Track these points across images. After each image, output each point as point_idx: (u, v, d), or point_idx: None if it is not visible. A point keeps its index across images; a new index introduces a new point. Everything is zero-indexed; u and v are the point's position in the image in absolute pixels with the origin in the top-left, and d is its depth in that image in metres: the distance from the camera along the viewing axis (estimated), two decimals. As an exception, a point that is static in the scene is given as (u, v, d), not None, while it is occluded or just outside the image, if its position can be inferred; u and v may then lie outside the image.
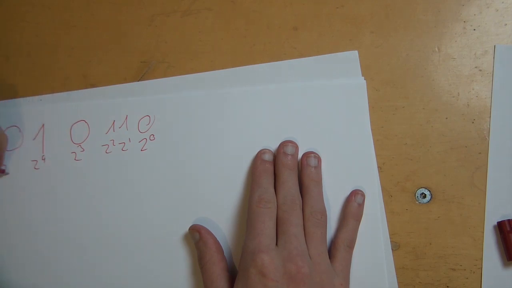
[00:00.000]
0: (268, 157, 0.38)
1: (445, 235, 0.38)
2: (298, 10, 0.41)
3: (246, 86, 0.40)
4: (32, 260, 0.39)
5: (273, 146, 0.38)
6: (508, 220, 0.37)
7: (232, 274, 0.36)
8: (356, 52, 0.40)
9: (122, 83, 0.41)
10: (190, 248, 0.38)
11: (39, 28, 0.42)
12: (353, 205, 0.37)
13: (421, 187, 0.38)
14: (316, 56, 0.40)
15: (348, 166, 0.38)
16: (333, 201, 0.38)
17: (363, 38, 0.40)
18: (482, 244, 0.37)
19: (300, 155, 0.38)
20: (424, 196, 0.38)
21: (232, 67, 0.40)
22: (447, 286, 0.37)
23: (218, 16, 0.41)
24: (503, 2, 0.40)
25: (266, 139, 0.39)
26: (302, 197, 0.36)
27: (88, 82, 0.41)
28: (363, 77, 0.39)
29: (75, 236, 0.39)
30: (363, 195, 0.37)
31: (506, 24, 0.39)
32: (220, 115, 0.39)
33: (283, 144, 0.38)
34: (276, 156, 0.38)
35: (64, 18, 0.42)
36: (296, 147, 0.38)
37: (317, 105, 0.39)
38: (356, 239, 0.37)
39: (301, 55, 0.40)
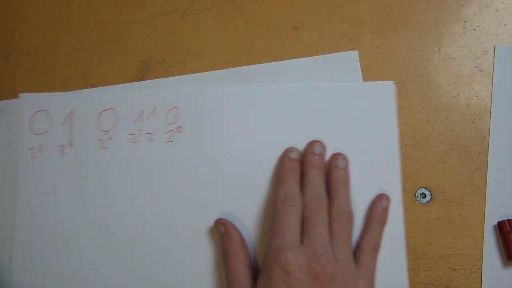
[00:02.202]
0: (295, 155, 0.37)
1: (445, 235, 0.38)
2: (298, 10, 0.41)
3: (278, 83, 0.39)
4: (63, 245, 0.39)
5: (300, 145, 0.38)
6: (508, 220, 0.37)
7: (255, 271, 0.36)
8: (356, 52, 0.40)
9: (122, 83, 0.41)
10: (213, 243, 0.38)
11: (39, 28, 0.42)
12: (378, 209, 0.37)
13: (421, 187, 0.38)
14: (316, 56, 0.40)
15: (373, 169, 0.38)
16: (357, 204, 0.38)
17: (363, 38, 0.40)
18: (482, 244, 0.37)
19: (327, 156, 0.38)
20: (424, 196, 0.38)
21: (232, 67, 0.40)
22: (447, 286, 0.37)
23: (218, 16, 0.41)
24: (503, 2, 0.40)
25: (293, 137, 0.38)
26: (329, 197, 0.36)
27: (88, 82, 0.41)
28: (392, 81, 0.39)
29: (97, 222, 0.39)
30: (388, 199, 0.37)
31: (506, 24, 0.39)
32: (249, 111, 0.39)
33: (311, 144, 0.38)
34: (304, 155, 0.38)
35: (64, 18, 0.42)
36: (324, 147, 0.38)
37: (345, 106, 0.39)
38: (381, 243, 0.36)
39: (301, 55, 0.40)
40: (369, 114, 0.38)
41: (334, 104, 0.39)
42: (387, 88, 0.39)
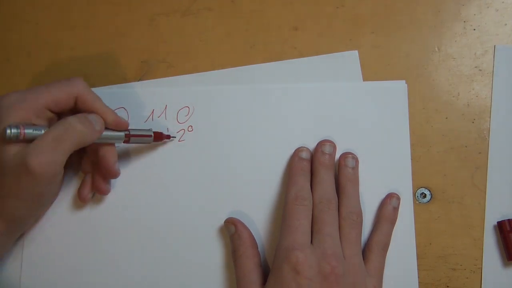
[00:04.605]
0: (305, 155, 0.38)
1: (445, 235, 0.38)
2: (298, 10, 0.41)
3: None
4: (74, 244, 0.39)
5: (311, 145, 0.38)
6: (508, 220, 0.37)
7: (265, 270, 0.36)
8: (356, 52, 0.40)
9: (122, 83, 0.41)
10: (224, 241, 0.38)
11: (39, 28, 0.42)
12: (388, 208, 0.37)
13: (421, 187, 0.38)
14: (316, 56, 0.40)
15: (384, 168, 0.38)
16: (367, 204, 0.38)
17: (363, 38, 0.40)
18: (482, 244, 0.37)
19: (337, 156, 0.38)
20: (424, 196, 0.38)
21: (232, 67, 0.40)
22: (447, 286, 0.37)
23: (218, 16, 0.41)
24: (503, 2, 0.40)
25: (304, 137, 0.39)
26: (338, 197, 0.36)
27: (88, 82, 0.41)
28: (404, 81, 0.39)
29: (107, 221, 0.39)
30: (398, 198, 0.37)
31: (506, 24, 0.39)
32: (260, 110, 0.39)
33: (321, 143, 0.38)
34: (314, 155, 0.38)
35: (64, 18, 0.42)
36: (334, 146, 0.38)
37: (356, 106, 0.39)
38: (390, 242, 0.36)
39: (301, 55, 0.40)
40: (380, 113, 0.38)
41: (345, 104, 0.39)
42: (398, 88, 0.39)
